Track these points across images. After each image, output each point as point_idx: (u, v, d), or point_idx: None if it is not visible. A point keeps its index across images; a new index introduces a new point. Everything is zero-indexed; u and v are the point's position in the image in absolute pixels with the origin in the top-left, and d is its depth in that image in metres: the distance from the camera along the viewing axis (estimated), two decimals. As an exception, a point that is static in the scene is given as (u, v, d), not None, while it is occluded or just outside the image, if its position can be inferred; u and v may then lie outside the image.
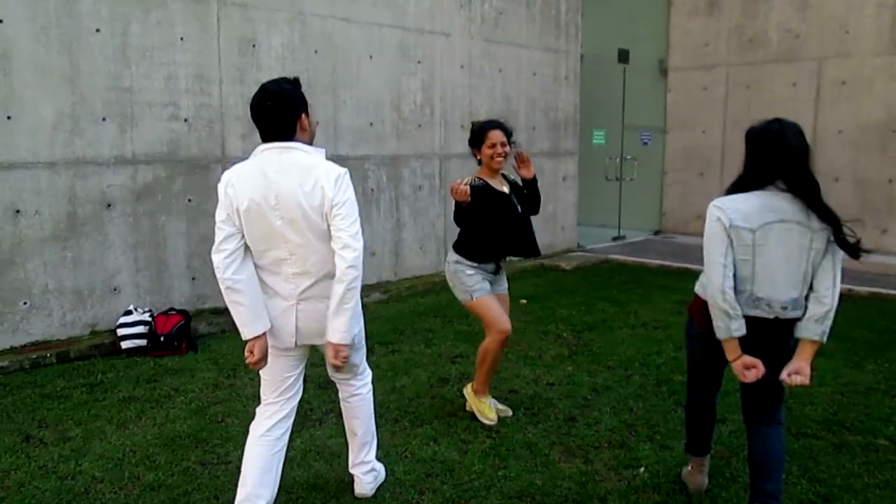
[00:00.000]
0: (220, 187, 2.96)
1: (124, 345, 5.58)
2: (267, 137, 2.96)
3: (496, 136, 4.15)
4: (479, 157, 4.22)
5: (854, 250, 2.87)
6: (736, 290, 2.84)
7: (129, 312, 5.77)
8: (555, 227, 9.88)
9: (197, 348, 5.73)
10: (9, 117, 5.28)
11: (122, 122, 5.83)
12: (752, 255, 2.83)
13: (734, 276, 2.84)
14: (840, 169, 10.12)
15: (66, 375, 5.09)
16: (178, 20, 6.07)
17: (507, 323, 4.18)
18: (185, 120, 6.20)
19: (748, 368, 2.87)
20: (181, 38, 6.11)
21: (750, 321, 2.85)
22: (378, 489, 3.47)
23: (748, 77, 10.88)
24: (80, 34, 5.56)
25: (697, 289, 3.17)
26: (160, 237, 6.12)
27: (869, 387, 4.93)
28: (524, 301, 7.23)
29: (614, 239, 11.19)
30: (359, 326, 3.10)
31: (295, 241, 2.89)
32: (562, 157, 9.94)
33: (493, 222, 4.12)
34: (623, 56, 11.17)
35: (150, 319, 5.71)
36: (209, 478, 3.60)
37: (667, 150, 11.86)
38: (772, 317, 2.86)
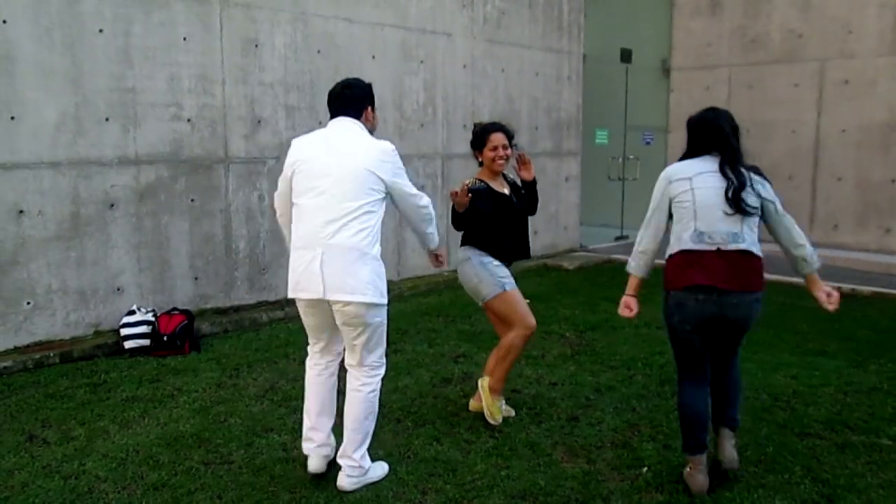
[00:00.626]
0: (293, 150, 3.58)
1: (127, 345, 5.59)
2: (337, 114, 3.56)
3: (498, 138, 4.16)
4: (480, 159, 4.23)
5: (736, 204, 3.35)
6: (684, 230, 3.41)
7: (132, 312, 5.78)
8: (557, 227, 9.88)
9: (200, 348, 5.74)
10: (12, 118, 5.29)
11: (125, 123, 5.84)
12: (691, 197, 3.40)
13: (681, 219, 3.44)
14: (843, 169, 10.11)
15: (70, 375, 5.10)
16: (180, 21, 6.08)
17: (533, 319, 4.19)
18: (188, 120, 6.21)
19: (628, 308, 3.66)
20: (184, 39, 6.11)
21: (699, 254, 3.37)
22: (381, 488, 3.47)
23: (751, 77, 10.86)
24: (83, 35, 5.57)
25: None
26: (163, 237, 6.13)
27: (872, 387, 4.92)
28: (527, 301, 7.22)
29: (617, 239, 11.18)
30: (385, 306, 3.45)
31: (338, 196, 3.34)
32: (564, 157, 9.94)
33: (495, 224, 4.12)
34: (625, 56, 11.16)
35: (153, 319, 5.71)
36: (212, 477, 3.61)
37: (669, 150, 11.84)
38: (714, 248, 3.35)
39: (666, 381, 5.00)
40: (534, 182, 4.36)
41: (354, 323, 3.35)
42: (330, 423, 3.65)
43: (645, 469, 3.70)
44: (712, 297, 3.34)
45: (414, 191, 3.58)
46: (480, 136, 4.19)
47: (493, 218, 4.11)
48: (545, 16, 9.44)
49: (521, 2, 9.09)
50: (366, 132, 3.55)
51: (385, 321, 3.48)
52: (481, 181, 4.19)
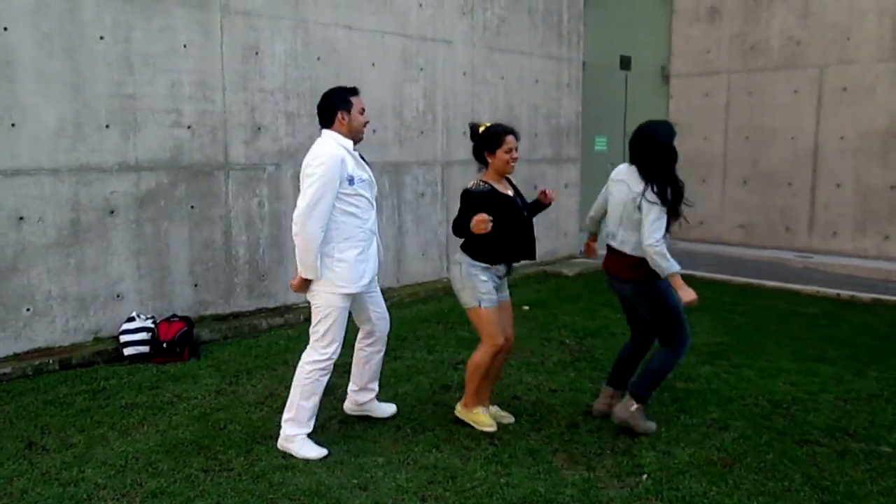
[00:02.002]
0: None
1: (127, 351, 5.58)
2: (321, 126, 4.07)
3: (512, 140, 4.18)
4: (489, 160, 4.17)
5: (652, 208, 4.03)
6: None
7: (131, 319, 5.77)
8: (557, 233, 9.89)
9: (199, 355, 5.73)
10: (13, 124, 5.30)
11: (125, 129, 5.85)
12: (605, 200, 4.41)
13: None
14: (841, 176, 10.13)
15: (69, 382, 5.10)
16: (180, 27, 6.10)
17: (500, 337, 4.16)
18: (188, 127, 6.22)
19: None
20: (184, 46, 6.13)
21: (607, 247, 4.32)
22: (380, 496, 3.47)
23: (750, 84, 10.89)
24: (83, 41, 5.58)
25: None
26: (163, 244, 6.13)
27: (872, 394, 4.92)
28: (527, 307, 7.24)
29: (616, 245, 11.17)
30: (325, 293, 3.92)
31: None
32: (564, 163, 9.95)
33: (501, 226, 4.07)
34: (625, 63, 11.19)
35: (152, 326, 5.71)
36: (212, 484, 3.60)
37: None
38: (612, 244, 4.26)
39: (665, 387, 4.99)
40: (549, 205, 4.56)
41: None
42: (355, 385, 4.42)
43: (645, 476, 3.70)
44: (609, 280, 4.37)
45: (301, 202, 3.83)
46: (495, 137, 4.15)
47: (497, 220, 4.05)
48: (545, 23, 9.46)
49: (520, 9, 9.11)
50: (329, 137, 3.97)
51: (323, 305, 3.94)
52: (485, 183, 4.16)
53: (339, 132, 3.97)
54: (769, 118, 10.72)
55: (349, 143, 3.98)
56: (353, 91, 4.04)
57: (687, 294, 3.98)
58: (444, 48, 8.24)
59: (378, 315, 4.33)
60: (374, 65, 7.53)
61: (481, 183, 4.15)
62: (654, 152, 4.10)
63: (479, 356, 4.20)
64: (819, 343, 6.13)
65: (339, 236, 3.90)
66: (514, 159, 4.19)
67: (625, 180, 4.17)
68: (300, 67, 6.92)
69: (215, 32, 6.32)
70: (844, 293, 8.00)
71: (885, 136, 9.76)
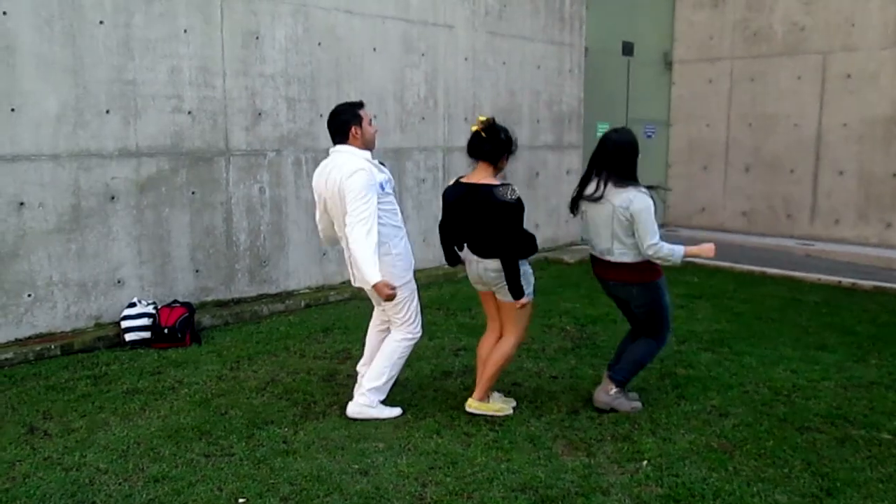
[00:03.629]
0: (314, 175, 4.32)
1: (128, 337, 5.59)
2: (332, 141, 4.25)
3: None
4: (503, 166, 4.15)
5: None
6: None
7: (132, 305, 5.78)
8: (558, 220, 9.87)
9: (200, 340, 5.74)
10: (12, 109, 5.28)
11: (125, 115, 5.83)
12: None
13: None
14: (844, 163, 10.09)
15: (71, 367, 5.11)
16: (181, 12, 6.06)
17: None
18: (189, 112, 6.20)
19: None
20: (184, 31, 6.10)
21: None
22: (381, 481, 3.48)
23: (753, 70, 10.84)
24: (83, 26, 5.56)
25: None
26: (164, 230, 6.13)
27: (872, 381, 4.93)
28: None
29: (618, 232, 11.16)
30: (401, 286, 4.13)
31: (337, 216, 4.17)
32: (565, 150, 9.92)
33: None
34: (627, 49, 11.13)
35: (153, 312, 5.72)
36: (213, 469, 3.61)
37: (671, 144, 11.84)
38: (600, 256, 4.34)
39: (666, 374, 5.00)
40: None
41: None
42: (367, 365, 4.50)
43: (645, 462, 3.71)
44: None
45: (353, 220, 3.96)
46: (510, 143, 4.13)
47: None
48: (547, 8, 9.40)
49: (522, -6, 9.05)
50: (350, 153, 4.13)
51: (405, 296, 4.22)
52: (510, 184, 4.09)
53: (355, 146, 4.15)
54: (772, 105, 10.67)
55: (367, 154, 4.17)
56: (360, 105, 4.25)
57: (706, 250, 4.17)
58: (445, 33, 8.20)
59: None
60: (375, 50, 7.49)
61: (511, 188, 4.03)
62: (622, 156, 4.17)
63: (511, 348, 4.27)
64: (820, 330, 6.13)
65: (388, 234, 4.14)
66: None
67: (600, 198, 4.18)
68: (301, 52, 6.89)
69: (216, 17, 6.28)
70: (846, 281, 7.99)
71: (889, 123, 9.71)
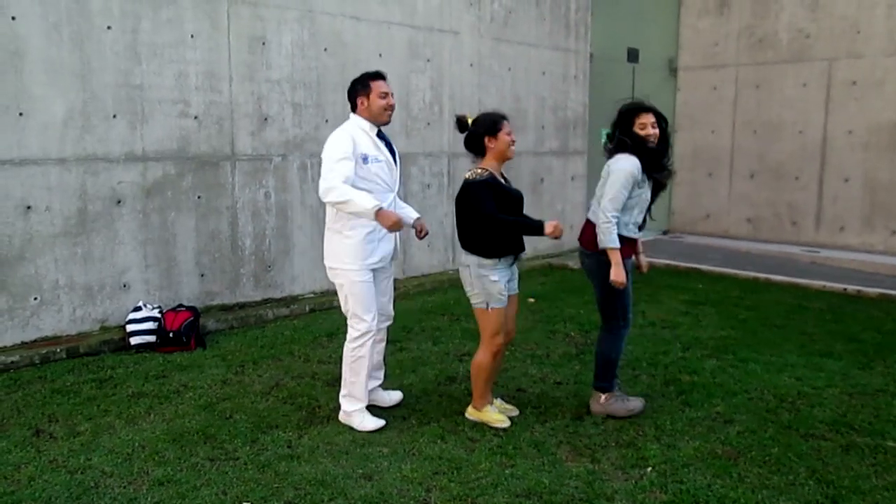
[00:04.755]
0: None
1: (133, 341, 5.61)
2: None
3: (509, 125, 4.20)
4: (491, 146, 4.09)
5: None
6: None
7: (138, 308, 5.80)
8: (564, 225, 9.86)
9: (205, 345, 5.76)
10: (20, 114, 5.31)
11: (132, 119, 5.86)
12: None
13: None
14: (850, 170, 10.08)
15: (76, 371, 5.13)
16: (188, 18, 6.10)
17: (500, 337, 4.16)
18: (195, 117, 6.22)
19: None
20: (191, 36, 6.13)
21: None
22: (385, 486, 3.48)
23: (758, 77, 10.84)
24: (91, 31, 5.59)
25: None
26: (170, 234, 6.15)
27: (878, 388, 4.91)
28: (532, 300, 7.24)
29: (622, 238, 11.15)
30: (340, 270, 4.12)
31: None
32: (570, 156, 9.93)
33: (505, 211, 4.04)
34: (632, 55, 11.15)
35: (159, 315, 5.73)
36: (217, 473, 3.62)
37: (676, 150, 11.80)
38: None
39: (671, 381, 5.00)
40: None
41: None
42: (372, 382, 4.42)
43: (649, 469, 3.70)
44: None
45: (323, 172, 3.95)
46: (494, 122, 4.12)
47: (502, 209, 4.03)
48: (552, 14, 9.43)
49: (528, 0, 9.08)
50: (348, 122, 4.18)
51: (344, 284, 4.11)
52: (485, 170, 4.07)
53: (361, 116, 4.15)
54: (777, 112, 10.67)
55: (367, 125, 4.13)
56: (375, 75, 4.18)
57: (617, 273, 4.07)
58: (451, 39, 8.22)
59: (381, 304, 4.32)
60: (380, 56, 7.51)
61: (479, 171, 4.07)
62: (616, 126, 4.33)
63: (481, 357, 4.20)
64: (825, 338, 6.12)
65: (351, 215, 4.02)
66: (514, 142, 4.21)
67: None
68: (307, 58, 6.92)
69: (223, 23, 6.31)
70: (851, 288, 7.97)
71: (894, 130, 9.70)
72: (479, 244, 4.05)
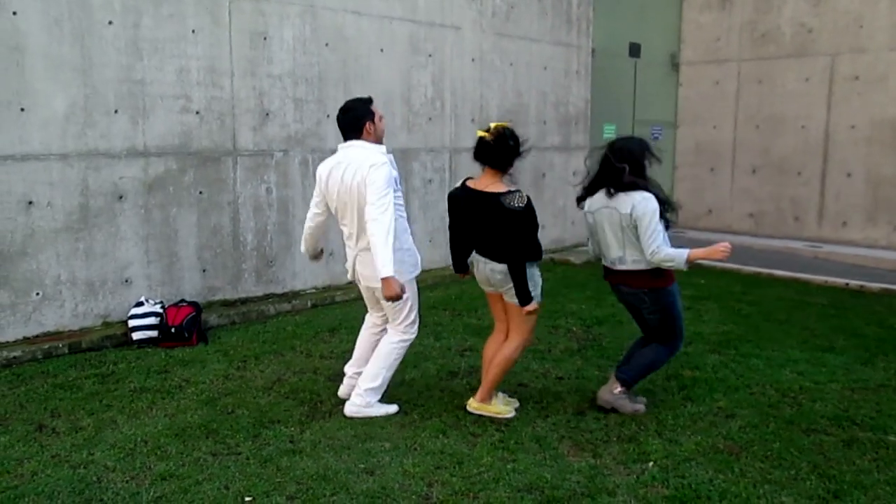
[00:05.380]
0: (318, 172, 4.31)
1: (135, 336, 5.61)
2: (343, 137, 4.24)
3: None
4: (511, 168, 4.09)
5: None
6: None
7: (140, 304, 5.81)
8: (565, 221, 9.87)
9: (207, 340, 5.76)
10: (22, 109, 5.31)
11: (133, 115, 5.86)
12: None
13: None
14: (852, 165, 10.05)
15: (78, 366, 5.13)
16: (189, 13, 6.09)
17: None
18: (197, 112, 6.22)
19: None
20: (193, 31, 6.12)
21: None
22: (387, 480, 3.49)
23: (760, 72, 10.81)
24: (92, 26, 5.58)
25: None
26: (171, 229, 6.15)
27: (880, 383, 4.91)
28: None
29: (624, 234, 11.14)
30: (406, 282, 4.14)
31: (350, 212, 4.13)
32: (572, 151, 9.92)
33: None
34: (634, 50, 11.12)
35: (161, 311, 5.74)
36: (220, 468, 3.63)
37: (678, 145, 11.81)
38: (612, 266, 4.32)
39: (672, 376, 5.00)
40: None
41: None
42: (356, 367, 4.52)
43: (651, 464, 3.71)
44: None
45: (375, 211, 3.93)
46: (518, 147, 4.06)
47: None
48: (554, 9, 9.41)
49: (530, -5, 9.05)
50: (367, 147, 4.15)
51: (413, 295, 4.30)
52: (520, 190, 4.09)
53: (368, 140, 4.20)
54: (779, 107, 10.64)
55: (382, 149, 4.21)
56: (370, 100, 4.30)
57: (715, 252, 4.11)
58: (452, 34, 8.20)
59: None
60: (382, 51, 7.50)
61: (518, 190, 4.03)
62: (629, 164, 4.15)
63: (514, 351, 4.25)
64: (827, 333, 6.12)
65: (399, 229, 4.15)
66: None
67: (608, 206, 4.18)
68: (308, 53, 6.91)
69: (224, 18, 6.30)
70: (853, 283, 7.96)
71: (897, 125, 9.67)
72: (530, 255, 4.05)
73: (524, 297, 4.03)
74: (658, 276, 4.17)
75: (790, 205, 10.69)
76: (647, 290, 4.21)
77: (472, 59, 8.47)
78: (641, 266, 4.15)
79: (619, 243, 4.18)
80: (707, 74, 11.37)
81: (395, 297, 3.96)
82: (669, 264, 4.07)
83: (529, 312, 4.08)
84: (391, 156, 4.22)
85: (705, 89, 11.39)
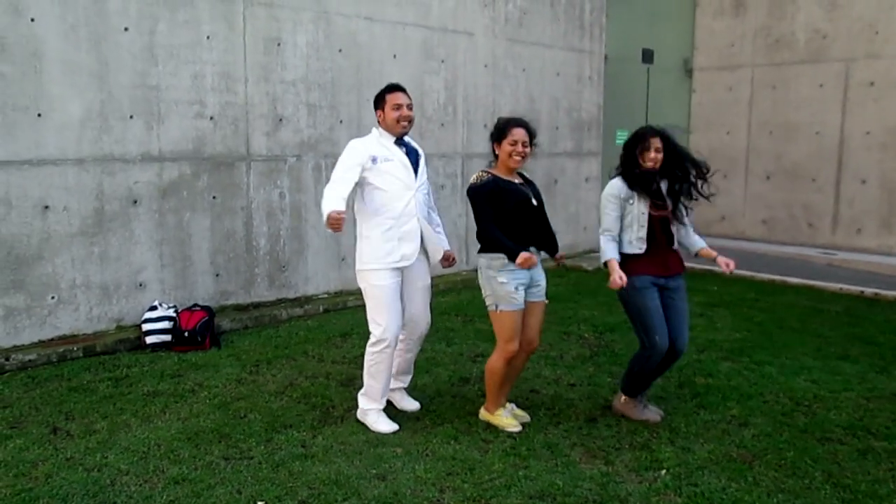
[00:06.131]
0: None
1: (149, 340, 5.65)
2: None
3: (519, 133, 4.03)
4: (496, 152, 4.09)
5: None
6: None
7: (154, 308, 5.84)
8: (577, 227, 9.85)
9: (220, 344, 5.79)
10: (39, 114, 5.36)
11: (148, 120, 5.90)
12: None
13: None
14: (867, 171, 9.99)
15: (93, 369, 5.17)
16: (204, 19, 6.13)
17: (514, 343, 4.06)
18: (211, 118, 6.26)
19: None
20: (207, 37, 6.17)
21: None
22: (399, 486, 3.49)
23: (774, 78, 10.76)
24: (108, 32, 5.64)
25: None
26: (185, 234, 6.19)
27: (895, 392, 4.86)
28: (546, 301, 7.21)
29: (636, 240, 11.10)
30: (361, 271, 4.23)
31: None
32: (585, 157, 9.91)
33: (508, 216, 4.01)
34: (647, 56, 11.10)
35: (174, 315, 5.77)
36: (232, 472, 3.64)
37: (691, 151, 11.76)
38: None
39: (685, 383, 4.97)
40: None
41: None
42: (396, 382, 4.51)
43: (663, 472, 3.69)
44: None
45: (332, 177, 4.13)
46: (502, 128, 4.06)
47: (503, 208, 4.00)
48: (567, 15, 9.41)
49: (542, 1, 9.06)
50: (372, 132, 4.30)
51: (365, 288, 4.19)
52: (487, 173, 4.06)
53: (380, 127, 4.28)
54: (793, 113, 10.59)
55: (384, 133, 4.24)
56: (390, 88, 4.27)
57: (613, 282, 4.05)
58: (465, 40, 8.22)
59: (412, 313, 4.33)
60: (395, 56, 7.53)
61: (483, 174, 4.08)
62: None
63: (493, 361, 4.16)
64: (842, 341, 6.07)
65: (366, 211, 4.17)
66: (520, 153, 4.03)
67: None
68: (322, 59, 6.94)
69: (238, 24, 6.35)
70: (868, 291, 7.90)
71: (913, 131, 9.60)
72: (486, 246, 4.07)
73: (510, 252, 3.96)
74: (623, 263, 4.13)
75: (804, 211, 10.62)
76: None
77: (485, 65, 8.48)
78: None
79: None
80: (720, 80, 11.33)
81: (332, 226, 3.82)
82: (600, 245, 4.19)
83: (490, 313, 4.09)
84: (378, 136, 4.24)
85: (718, 95, 11.35)
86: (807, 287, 8.24)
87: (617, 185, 4.18)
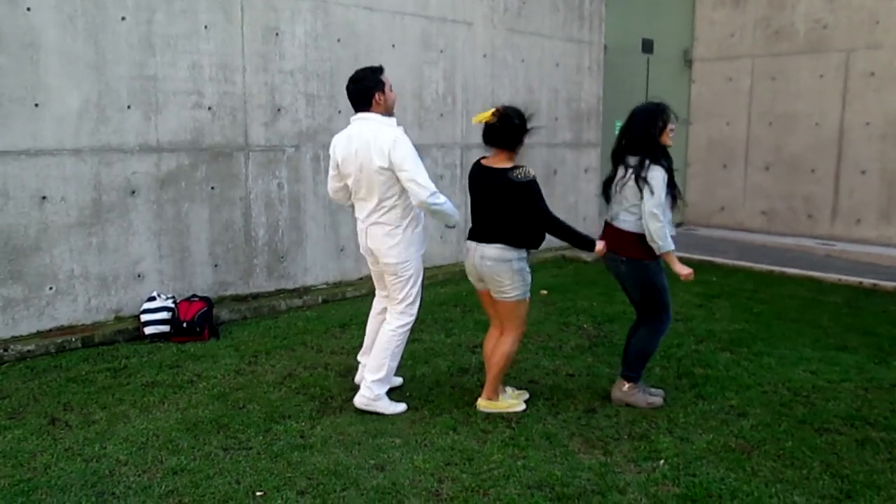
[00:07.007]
0: (331, 146, 4.33)
1: (147, 330, 5.64)
2: (354, 109, 4.21)
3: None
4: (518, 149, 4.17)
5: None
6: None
7: (152, 298, 5.83)
8: (576, 218, 9.84)
9: (219, 335, 5.79)
10: (36, 105, 5.34)
11: (146, 110, 5.88)
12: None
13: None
14: (867, 162, 9.97)
15: (91, 360, 5.17)
16: (202, 9, 6.10)
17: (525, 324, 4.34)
18: (209, 108, 6.24)
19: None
20: (205, 27, 6.14)
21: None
22: (397, 476, 3.49)
23: (774, 68, 10.73)
24: (105, 22, 5.61)
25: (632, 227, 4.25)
26: (183, 224, 6.17)
27: (893, 383, 4.87)
28: (545, 292, 7.22)
29: (636, 231, 11.09)
30: (408, 262, 4.23)
31: (364, 186, 4.17)
32: (584, 148, 9.89)
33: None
34: (647, 46, 11.06)
35: (173, 306, 5.77)
36: (231, 462, 3.64)
37: (690, 142, 11.76)
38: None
39: (684, 374, 4.98)
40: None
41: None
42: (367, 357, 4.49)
43: (662, 462, 3.69)
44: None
45: (418, 186, 4.03)
46: (524, 125, 4.14)
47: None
48: (566, 5, 9.37)
49: (542, -9, 9.02)
50: (378, 121, 4.14)
51: (414, 271, 4.28)
52: (523, 166, 4.13)
53: (377, 112, 4.16)
54: (793, 103, 10.56)
55: (393, 121, 4.21)
56: (381, 70, 4.22)
57: (682, 268, 4.21)
58: (464, 30, 8.19)
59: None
60: (393, 46, 7.50)
61: (524, 167, 4.09)
62: (639, 130, 4.44)
63: (510, 346, 4.24)
64: (840, 332, 6.07)
65: (407, 202, 4.22)
66: None
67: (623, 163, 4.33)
68: (320, 49, 6.91)
69: (236, 14, 6.32)
70: (867, 281, 7.90)
71: (913, 122, 9.58)
72: (530, 238, 4.12)
73: (583, 242, 4.21)
74: (635, 244, 4.21)
75: (803, 202, 10.61)
76: (623, 258, 4.27)
77: (484, 55, 8.45)
78: (627, 227, 4.24)
79: (620, 198, 4.31)
80: (720, 71, 11.30)
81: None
82: (661, 233, 4.16)
83: (514, 303, 4.14)
84: (402, 128, 4.21)
85: (718, 86, 11.32)
86: (806, 278, 8.24)
87: (664, 172, 4.18)
